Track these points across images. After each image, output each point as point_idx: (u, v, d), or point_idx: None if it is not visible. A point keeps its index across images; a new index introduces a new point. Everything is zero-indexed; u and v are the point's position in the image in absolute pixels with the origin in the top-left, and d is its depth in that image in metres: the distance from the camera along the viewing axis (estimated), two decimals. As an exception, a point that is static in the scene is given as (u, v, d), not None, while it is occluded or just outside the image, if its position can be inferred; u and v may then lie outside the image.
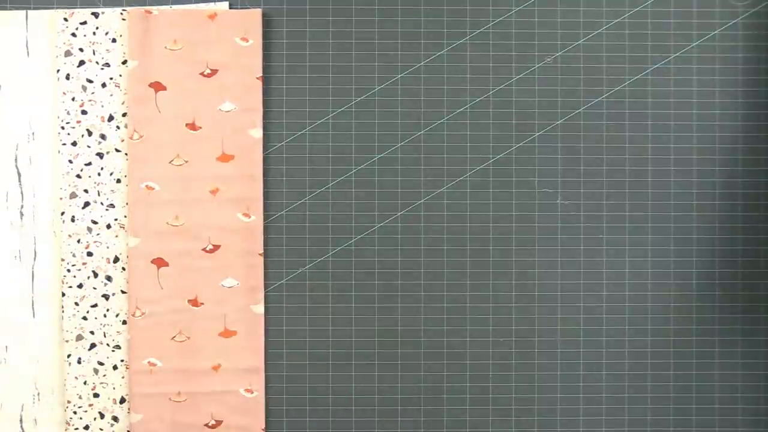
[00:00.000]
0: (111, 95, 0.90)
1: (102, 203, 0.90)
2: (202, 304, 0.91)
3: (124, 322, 0.91)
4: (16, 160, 0.91)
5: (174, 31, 0.90)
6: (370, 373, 0.92)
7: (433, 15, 0.92)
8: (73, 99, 0.90)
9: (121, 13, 0.90)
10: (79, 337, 0.91)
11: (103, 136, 0.90)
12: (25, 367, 0.91)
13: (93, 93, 0.90)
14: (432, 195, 0.93)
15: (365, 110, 0.92)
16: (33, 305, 0.91)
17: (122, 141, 0.90)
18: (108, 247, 0.91)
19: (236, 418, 0.91)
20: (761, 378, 0.94)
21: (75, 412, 0.91)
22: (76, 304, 0.91)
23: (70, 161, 0.90)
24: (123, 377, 0.91)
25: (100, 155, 0.90)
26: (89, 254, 0.91)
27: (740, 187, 0.93)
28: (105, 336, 0.91)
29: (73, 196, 0.90)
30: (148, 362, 0.90)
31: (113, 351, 0.91)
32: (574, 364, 0.93)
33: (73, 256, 0.90)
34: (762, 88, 0.93)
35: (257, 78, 0.91)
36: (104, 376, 0.91)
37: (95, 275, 0.91)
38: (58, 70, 0.90)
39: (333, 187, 0.93)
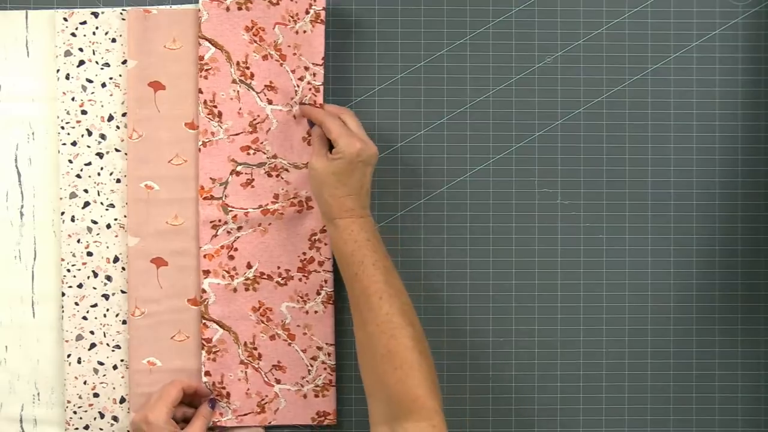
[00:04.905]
0: (111, 95, 0.90)
1: (102, 203, 0.90)
2: (202, 304, 0.91)
3: (124, 322, 0.91)
4: (16, 160, 0.91)
5: (173, 30, 0.90)
6: (370, 373, 0.92)
7: (433, 15, 0.92)
8: (73, 99, 0.90)
9: (121, 13, 0.90)
10: (79, 337, 0.91)
11: (103, 136, 0.90)
12: (25, 367, 0.91)
13: (93, 93, 0.90)
14: (432, 195, 0.93)
15: (365, 110, 0.92)
16: (33, 305, 0.91)
17: (122, 141, 0.90)
18: (108, 247, 0.91)
19: (236, 418, 0.91)
20: (761, 378, 0.94)
21: (75, 412, 0.91)
22: (76, 304, 0.90)
23: (70, 161, 0.90)
24: (123, 377, 0.91)
25: (100, 155, 0.90)
26: (89, 254, 0.90)
27: (740, 187, 0.93)
28: (105, 336, 0.91)
29: (73, 196, 0.90)
30: (148, 362, 0.90)
31: (113, 351, 0.91)
32: (574, 364, 0.93)
33: (73, 256, 0.90)
34: (762, 88, 0.93)
35: (257, 78, 0.91)
36: (104, 376, 0.91)
37: (95, 275, 0.91)
38: (58, 70, 0.90)
39: (333, 187, 0.92)
